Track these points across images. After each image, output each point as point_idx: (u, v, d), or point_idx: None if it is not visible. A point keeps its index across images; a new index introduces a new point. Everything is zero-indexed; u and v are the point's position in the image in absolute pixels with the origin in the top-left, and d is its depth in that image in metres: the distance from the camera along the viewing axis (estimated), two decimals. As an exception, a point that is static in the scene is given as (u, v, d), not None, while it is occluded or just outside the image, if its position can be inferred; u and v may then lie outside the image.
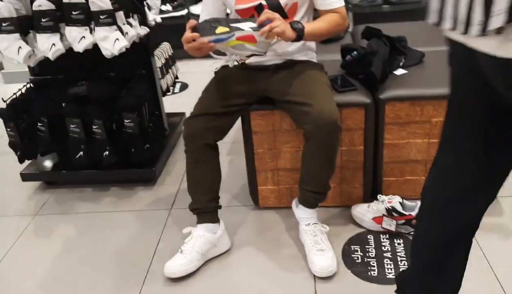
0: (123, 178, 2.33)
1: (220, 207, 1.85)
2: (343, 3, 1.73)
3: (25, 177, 2.32)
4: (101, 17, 1.82)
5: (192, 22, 1.53)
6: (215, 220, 1.82)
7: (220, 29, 1.51)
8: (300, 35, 1.59)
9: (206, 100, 1.78)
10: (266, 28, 1.48)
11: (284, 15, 1.68)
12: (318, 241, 1.74)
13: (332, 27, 1.71)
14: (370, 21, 2.31)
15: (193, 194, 1.81)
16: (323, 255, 1.71)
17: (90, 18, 1.86)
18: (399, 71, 2.02)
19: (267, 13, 1.52)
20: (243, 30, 1.51)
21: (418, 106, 1.85)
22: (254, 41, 1.53)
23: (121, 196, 2.29)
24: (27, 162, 2.37)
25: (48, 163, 2.40)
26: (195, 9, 4.01)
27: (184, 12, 4.01)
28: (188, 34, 1.51)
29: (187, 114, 2.47)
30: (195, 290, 1.69)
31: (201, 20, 1.75)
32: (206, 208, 1.80)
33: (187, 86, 3.59)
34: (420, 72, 2.03)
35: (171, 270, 1.72)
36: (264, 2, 1.67)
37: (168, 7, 3.81)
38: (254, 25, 1.53)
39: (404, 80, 1.95)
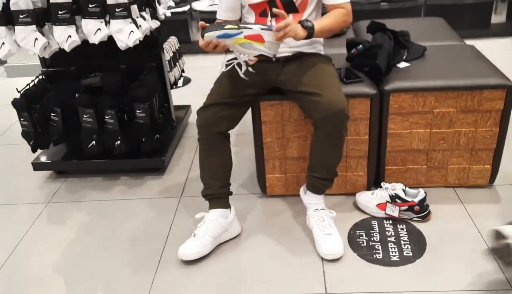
0: (133, 167, 2.40)
1: (231, 193, 1.92)
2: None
3: (36, 166, 2.38)
4: (117, 10, 1.89)
5: (202, 23, 1.60)
6: (227, 205, 1.90)
7: (229, 26, 1.58)
8: (310, 33, 1.66)
9: (218, 90, 1.85)
10: (280, 33, 1.56)
11: (295, 10, 1.76)
12: (325, 226, 1.82)
13: (338, 23, 1.78)
14: (370, 18, 2.40)
15: (206, 181, 1.89)
16: (331, 238, 1.79)
17: (105, 11, 1.92)
18: (402, 64, 2.10)
19: (280, 23, 1.56)
20: (251, 28, 1.57)
21: (421, 97, 1.93)
22: (263, 41, 1.58)
23: (131, 185, 2.35)
24: (38, 152, 2.42)
25: (59, 153, 2.45)
26: (197, 5, 4.08)
27: (186, 8, 4.08)
28: (201, 40, 1.59)
29: (193, 107, 2.54)
30: (208, 272, 1.77)
31: (218, 15, 1.81)
32: (218, 194, 1.87)
33: (190, 81, 3.65)
34: (422, 65, 2.11)
35: (185, 252, 1.79)
36: None
37: (171, 2, 3.86)
38: (264, 26, 1.59)
39: (407, 73, 2.04)
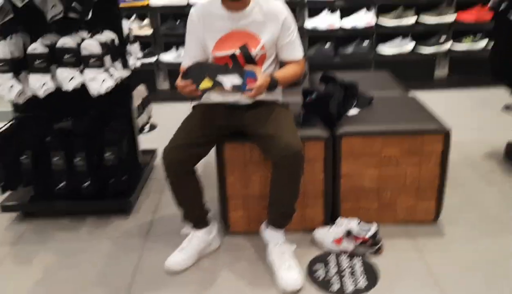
0: (100, 208, 2.46)
1: (209, 210, 2.11)
2: (302, 54, 2.06)
3: (4, 208, 2.41)
4: (91, 60, 2.04)
5: (183, 68, 1.79)
6: (209, 222, 2.10)
7: (204, 84, 1.80)
8: (275, 87, 1.94)
9: (186, 129, 2.00)
10: (252, 94, 1.82)
11: (254, 64, 1.97)
12: (285, 259, 1.95)
13: (295, 75, 2.07)
14: (324, 70, 2.64)
15: (183, 209, 2.06)
16: (290, 271, 1.91)
17: (80, 61, 2.07)
18: (352, 112, 2.33)
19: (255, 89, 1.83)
20: (224, 86, 1.81)
21: (370, 141, 2.15)
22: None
23: (98, 225, 2.41)
24: (6, 194, 2.46)
25: (26, 195, 2.50)
26: (164, 56, 4.28)
27: (154, 59, 4.27)
28: (179, 81, 1.81)
29: (159, 152, 2.66)
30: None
31: (184, 64, 2.01)
32: (198, 219, 2.07)
33: (156, 127, 3.78)
34: (370, 112, 2.34)
35: (172, 263, 2.01)
36: (237, 53, 1.95)
37: (140, 54, 4.05)
38: (236, 82, 1.82)
39: (356, 119, 2.26)
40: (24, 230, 2.40)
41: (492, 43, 2.95)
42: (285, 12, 2.00)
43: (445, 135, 2.14)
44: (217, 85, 1.81)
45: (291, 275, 1.90)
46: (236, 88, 1.83)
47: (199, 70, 1.81)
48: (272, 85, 1.92)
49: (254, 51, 1.97)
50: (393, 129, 2.16)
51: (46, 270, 2.09)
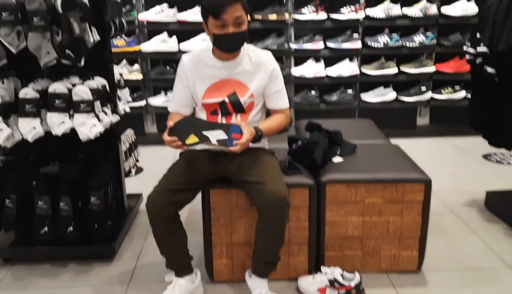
0: (82, 254, 2.43)
1: (192, 257, 2.09)
2: (288, 105, 2.14)
3: (-16, 253, 2.37)
4: (81, 106, 2.08)
5: (170, 124, 1.84)
6: (192, 270, 2.07)
7: (190, 139, 1.84)
8: (259, 139, 1.99)
9: (170, 176, 2.02)
10: (237, 149, 1.86)
11: (243, 111, 2.03)
12: (269, 308, 1.93)
13: (280, 126, 2.13)
14: (309, 117, 2.73)
15: (166, 256, 2.05)
16: (274, 320, 1.90)
17: (70, 106, 2.10)
18: (336, 159, 2.38)
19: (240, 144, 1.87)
20: (210, 142, 1.85)
21: (353, 188, 2.19)
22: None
23: (80, 271, 2.37)
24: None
25: (6, 240, 2.46)
26: (153, 101, 4.35)
27: (143, 103, 4.33)
28: (166, 137, 1.84)
29: (144, 196, 2.67)
30: None
31: (171, 109, 2.06)
32: (181, 266, 2.04)
33: (142, 170, 3.79)
34: (353, 160, 2.40)
35: None
36: (226, 100, 2.01)
37: (129, 98, 4.11)
38: (221, 137, 1.87)
39: (340, 166, 2.31)
40: (3, 276, 2.34)
41: (470, 95, 3.07)
42: (273, 63, 2.08)
43: (426, 184, 2.20)
44: (204, 140, 1.85)
45: (274, 325, 1.88)
46: (222, 143, 1.88)
47: (185, 126, 1.86)
48: (257, 138, 1.97)
49: (243, 99, 2.03)
50: (376, 177, 2.21)
51: (24, 318, 2.04)
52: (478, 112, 2.86)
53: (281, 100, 2.12)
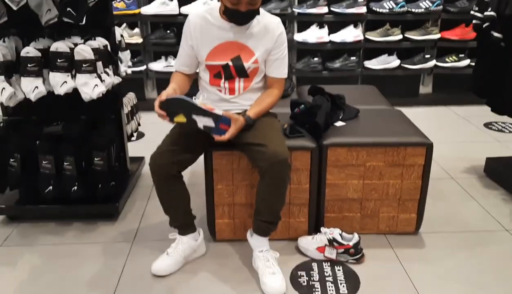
0: (87, 212, 2.48)
1: (195, 217, 2.14)
2: (286, 75, 2.13)
3: (-10, 211, 2.41)
4: (83, 65, 2.07)
5: (162, 97, 1.84)
6: (195, 229, 2.13)
7: (179, 118, 1.86)
8: (250, 126, 1.98)
9: (173, 136, 2.03)
10: (219, 138, 1.89)
11: (246, 75, 2.02)
12: (269, 265, 1.98)
13: (271, 105, 2.11)
14: (312, 84, 2.71)
15: (170, 214, 2.09)
16: (274, 277, 1.95)
17: (72, 66, 2.10)
18: (339, 123, 2.39)
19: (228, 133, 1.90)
20: (196, 125, 1.86)
21: (354, 152, 2.20)
22: None
23: (84, 230, 2.42)
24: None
25: (11, 198, 2.50)
26: (153, 65, 4.32)
27: (143, 67, 4.31)
28: (156, 107, 1.85)
29: (146, 160, 2.70)
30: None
31: (174, 68, 2.05)
32: (183, 224, 2.10)
33: (143, 135, 3.81)
34: (355, 124, 2.41)
35: (158, 268, 2.05)
36: (230, 63, 2.00)
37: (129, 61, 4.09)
38: (208, 124, 1.87)
39: (342, 130, 2.32)
40: (9, 233, 2.40)
41: (474, 62, 3.05)
42: (280, 28, 2.05)
43: (427, 148, 2.21)
44: (191, 123, 1.87)
45: (274, 281, 1.93)
46: (207, 129, 1.90)
47: (176, 104, 1.85)
48: (247, 126, 1.97)
49: (247, 64, 2.02)
50: (377, 141, 2.22)
51: (31, 272, 2.10)
52: (482, 78, 2.85)
53: (280, 69, 2.09)
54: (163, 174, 1.96)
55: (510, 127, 3.88)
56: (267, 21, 2.03)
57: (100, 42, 2.29)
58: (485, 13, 2.63)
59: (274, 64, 2.08)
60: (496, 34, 2.59)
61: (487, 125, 3.94)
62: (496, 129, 3.87)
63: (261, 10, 2.05)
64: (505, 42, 2.60)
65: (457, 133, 3.83)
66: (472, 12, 2.76)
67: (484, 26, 2.68)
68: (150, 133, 3.79)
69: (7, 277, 2.07)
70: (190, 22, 2.04)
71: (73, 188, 2.31)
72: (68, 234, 2.39)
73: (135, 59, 4.26)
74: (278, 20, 2.07)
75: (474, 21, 2.77)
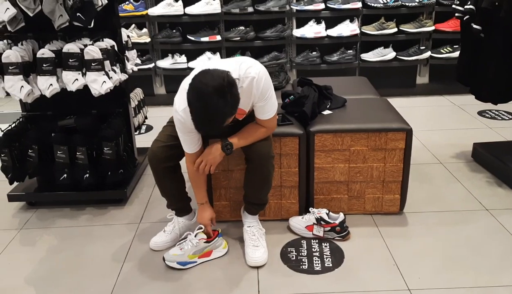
0: (98, 198, 2.72)
1: (190, 200, 2.35)
2: (272, 115, 2.10)
3: (11, 197, 2.68)
4: (92, 64, 2.31)
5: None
6: (190, 210, 2.35)
7: None
8: (229, 154, 2.09)
9: (169, 130, 2.19)
10: (201, 167, 2.09)
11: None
12: (254, 239, 2.21)
13: (258, 139, 2.12)
14: (311, 77, 2.88)
15: (166, 198, 2.32)
16: (257, 249, 2.18)
17: (83, 65, 2.34)
18: (326, 112, 2.59)
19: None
20: None
21: (340, 137, 2.40)
22: None
23: (96, 214, 2.67)
24: (13, 185, 2.72)
25: (31, 186, 2.76)
26: (161, 63, 4.56)
27: (151, 65, 4.55)
28: None
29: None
30: (158, 281, 2.09)
31: (187, 150, 2.11)
32: (180, 207, 2.32)
33: (152, 128, 4.05)
34: (342, 113, 2.60)
35: (155, 244, 2.29)
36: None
37: (138, 60, 4.33)
38: None
39: (329, 118, 2.52)
40: (29, 217, 2.66)
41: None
42: (257, 84, 1.99)
43: (407, 133, 2.39)
44: None
45: (256, 253, 2.17)
46: None
47: None
48: (225, 153, 2.07)
49: (240, 119, 2.11)
50: (360, 127, 2.42)
51: (48, 251, 2.35)
52: (466, 68, 3.01)
53: (265, 112, 2.09)
54: (160, 167, 2.18)
55: (503, 115, 4.02)
56: (247, 84, 1.98)
57: (107, 42, 2.53)
58: (465, 6, 2.80)
59: (259, 110, 2.09)
60: (475, 26, 2.76)
61: (481, 113, 4.08)
62: (489, 116, 4.01)
63: (243, 68, 1.98)
64: (484, 33, 2.76)
65: (451, 121, 3.98)
66: (453, 6, 2.93)
67: (464, 18, 2.85)
68: (158, 126, 3.97)
69: (28, 255, 2.33)
70: (181, 118, 1.98)
71: (85, 176, 2.55)
72: (81, 218, 2.64)
73: (144, 58, 4.50)
74: (252, 76, 1.98)
75: (456, 14, 2.94)
